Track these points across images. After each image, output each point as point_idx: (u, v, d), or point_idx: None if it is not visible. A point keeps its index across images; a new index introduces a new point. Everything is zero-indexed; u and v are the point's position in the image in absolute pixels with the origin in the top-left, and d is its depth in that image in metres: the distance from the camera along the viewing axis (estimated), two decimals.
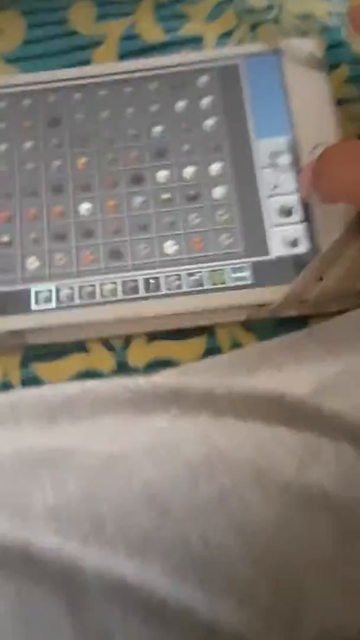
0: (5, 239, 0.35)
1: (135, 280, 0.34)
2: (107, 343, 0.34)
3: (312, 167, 0.30)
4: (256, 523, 0.22)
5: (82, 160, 0.37)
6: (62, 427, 0.25)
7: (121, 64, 0.39)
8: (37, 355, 0.34)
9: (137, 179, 0.36)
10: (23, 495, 0.22)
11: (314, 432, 0.23)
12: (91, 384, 0.27)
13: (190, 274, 0.34)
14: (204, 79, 0.38)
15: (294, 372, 0.28)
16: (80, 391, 0.26)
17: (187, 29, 0.40)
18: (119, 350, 0.34)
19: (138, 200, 0.35)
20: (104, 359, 0.34)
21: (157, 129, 0.37)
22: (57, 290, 0.34)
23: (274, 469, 0.23)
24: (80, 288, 0.34)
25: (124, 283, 0.34)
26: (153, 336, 0.34)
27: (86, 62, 0.40)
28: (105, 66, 0.39)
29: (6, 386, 0.33)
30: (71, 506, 0.21)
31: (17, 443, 0.24)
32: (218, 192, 0.35)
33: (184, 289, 0.33)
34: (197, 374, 0.30)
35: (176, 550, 0.21)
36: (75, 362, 0.34)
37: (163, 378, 0.28)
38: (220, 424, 0.25)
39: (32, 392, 0.27)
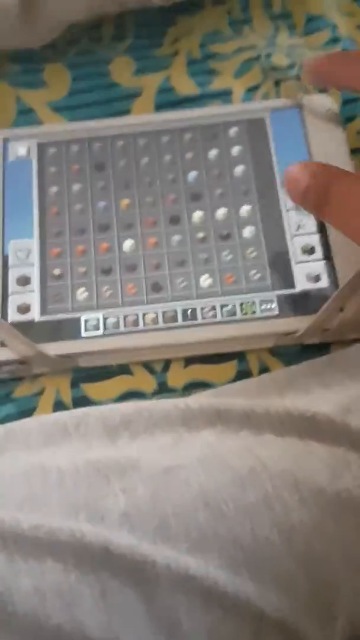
0: (58, 272, 0.39)
1: (175, 310, 0.38)
2: (149, 366, 0.36)
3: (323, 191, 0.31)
4: (295, 524, 0.25)
5: (125, 201, 0.41)
6: (123, 441, 0.29)
7: (159, 115, 0.43)
8: (87, 376, 0.36)
9: (175, 219, 0.40)
10: (99, 500, 0.25)
11: (342, 446, 0.27)
12: (145, 404, 0.30)
13: (224, 305, 0.38)
14: (233, 130, 0.42)
15: (320, 394, 0.32)
16: (135, 411, 0.30)
17: (217, 84, 0.44)
18: (160, 373, 0.37)
19: (176, 238, 0.40)
20: (146, 381, 0.37)
21: (192, 175, 0.41)
22: (105, 319, 0.38)
23: (309, 478, 0.26)
24: (125, 317, 0.38)
25: (164, 313, 0.38)
26: (190, 360, 0.37)
27: (126, 112, 0.44)
28: (144, 117, 0.43)
29: (60, 404, 0.37)
30: (140, 509, 0.25)
31: (86, 455, 0.28)
32: (247, 231, 0.39)
33: (218, 318, 0.37)
34: (232, 395, 0.34)
35: (230, 546, 0.24)
36: (121, 383, 0.36)
37: (207, 398, 0.32)
38: (260, 439, 0.29)
39: (92, 411, 0.31)
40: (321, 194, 0.29)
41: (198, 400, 0.30)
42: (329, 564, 0.25)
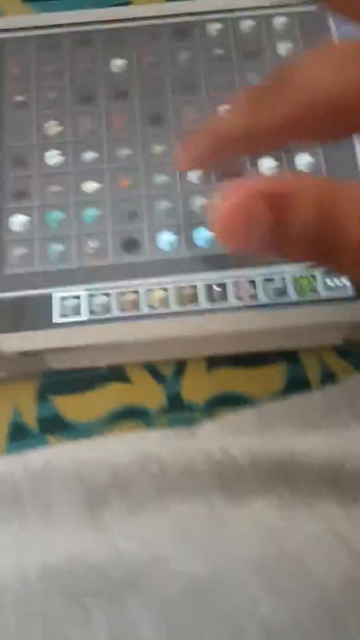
0: (19, 222, 0.26)
1: (194, 286, 0.25)
2: (154, 370, 0.26)
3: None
4: None
5: (119, 121, 0.28)
6: (112, 520, 0.17)
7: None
8: (60, 384, 0.26)
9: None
10: None
11: None
12: (152, 451, 0.18)
13: (268, 280, 0.25)
14: (281, 22, 0.29)
15: None
16: (136, 463, 0.18)
17: None
18: (171, 380, 0.26)
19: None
20: (150, 392, 0.26)
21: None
22: (90, 297, 0.25)
23: None
24: (120, 295, 0.25)
25: (178, 290, 0.25)
26: (215, 362, 0.26)
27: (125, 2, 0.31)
28: (149, 7, 0.30)
29: (18, 428, 0.25)
30: None
31: (47, 551, 0.16)
32: (302, 161, 0.27)
33: (260, 299, 0.25)
34: (284, 422, 0.22)
35: None
36: (112, 395, 0.26)
37: (259, 439, 0.20)
38: (353, 514, 0.17)
39: (63, 459, 0.18)
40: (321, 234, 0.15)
41: (247, 446, 0.18)
42: None
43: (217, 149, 0.20)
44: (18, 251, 0.26)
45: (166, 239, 0.26)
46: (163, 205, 0.27)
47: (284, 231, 0.14)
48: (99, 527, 0.17)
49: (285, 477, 0.18)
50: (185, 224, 0.26)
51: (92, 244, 0.26)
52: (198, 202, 0.27)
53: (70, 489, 0.18)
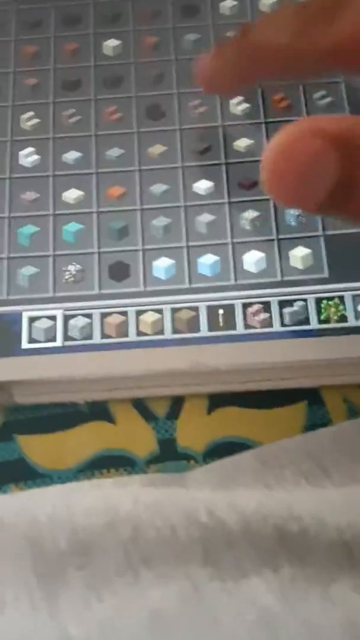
0: None
1: (195, 308, 0.21)
2: (143, 408, 0.22)
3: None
4: None
5: (111, 109, 0.24)
6: (69, 601, 0.13)
7: None
8: (27, 422, 0.22)
9: None
10: None
11: None
12: (125, 510, 0.14)
13: (285, 302, 0.21)
14: None
15: None
16: (103, 525, 0.14)
17: None
18: (163, 421, 0.21)
19: (201, 180, 0.22)
20: (138, 435, 0.21)
21: None
22: (66, 318, 0.21)
23: None
24: (104, 316, 0.21)
25: (175, 312, 0.21)
26: (217, 401, 0.22)
27: None
28: None
29: None
30: None
31: None
32: None
33: (275, 327, 0.20)
34: (289, 465, 0.17)
35: None
36: (91, 437, 0.21)
37: (263, 499, 0.15)
38: None
39: (12, 512, 0.14)
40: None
41: (237, 501, 0.14)
42: None
43: (252, 63, 0.16)
44: None
45: (163, 265, 0.22)
46: (161, 222, 0.22)
47: (353, 185, 0.12)
48: (51, 609, 0.13)
49: (285, 548, 0.13)
50: (189, 248, 0.22)
51: (72, 268, 0.22)
52: (205, 218, 0.22)
53: (19, 556, 0.14)
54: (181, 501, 0.15)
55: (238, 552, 0.14)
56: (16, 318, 0.21)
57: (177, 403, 0.21)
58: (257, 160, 0.23)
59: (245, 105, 0.24)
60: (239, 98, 0.24)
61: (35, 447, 0.21)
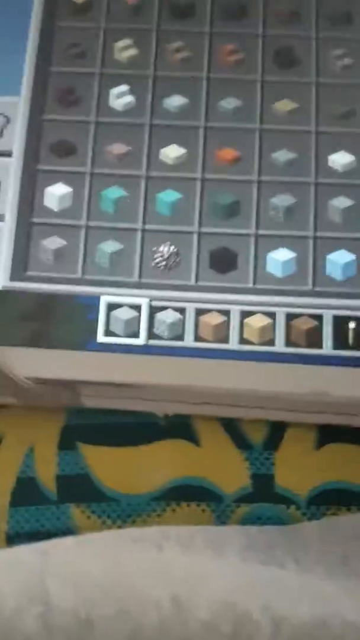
0: (58, 194, 0.18)
1: (318, 317, 0.16)
2: (236, 432, 0.18)
3: None
4: None
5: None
6: None
7: None
8: (95, 431, 0.18)
9: None
10: None
11: None
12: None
13: None
14: None
15: None
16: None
17: None
18: (260, 451, 0.17)
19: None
20: (227, 464, 0.17)
21: None
22: (151, 311, 0.17)
23: None
24: (199, 313, 0.17)
25: (291, 319, 0.16)
26: (330, 435, 0.18)
27: None
28: None
29: (26, 485, 0.17)
30: None
31: None
32: None
33: None
34: None
35: None
36: (169, 458, 0.18)
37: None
38: None
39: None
40: None
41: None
42: None
43: None
44: (50, 239, 0.18)
45: (281, 258, 0.17)
46: (284, 201, 0.17)
47: None
48: None
49: None
50: (316, 240, 0.17)
51: (164, 249, 0.18)
52: (341, 203, 0.17)
53: None
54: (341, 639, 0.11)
55: None
56: (93, 303, 0.17)
57: (277, 430, 0.17)
58: None
59: None
60: None
61: (102, 462, 0.17)
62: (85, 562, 0.13)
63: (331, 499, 0.17)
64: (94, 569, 0.13)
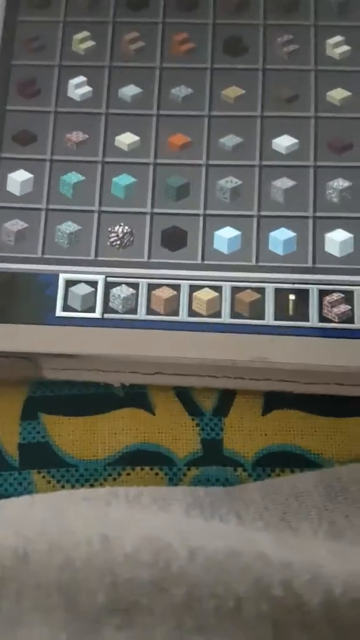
0: (19, 177, 0.19)
1: (261, 290, 0.17)
2: (188, 399, 0.19)
3: None
4: None
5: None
6: None
7: None
8: (55, 401, 0.19)
9: None
10: None
11: None
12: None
13: None
14: None
15: None
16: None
17: None
18: (210, 417, 0.18)
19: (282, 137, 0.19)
20: (179, 430, 0.18)
21: None
22: (106, 287, 0.18)
23: None
24: (152, 288, 0.18)
25: (235, 292, 0.18)
26: (276, 401, 0.19)
27: None
28: None
29: None
30: None
31: None
32: None
33: (357, 322, 0.17)
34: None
35: None
36: (125, 426, 0.18)
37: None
38: None
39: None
40: None
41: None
42: None
43: None
44: (12, 222, 0.19)
45: (226, 236, 0.18)
46: (230, 183, 0.18)
47: None
48: None
49: None
50: (260, 219, 0.18)
51: (119, 229, 0.19)
52: (283, 184, 0.18)
53: (49, 607, 0.12)
54: (250, 567, 0.12)
55: (316, 636, 0.12)
56: (51, 280, 0.18)
57: (226, 398, 0.18)
58: (355, 118, 0.19)
59: (345, 48, 0.19)
60: (339, 37, 0.19)
61: (62, 431, 0.18)
62: (32, 514, 0.14)
63: (276, 461, 0.18)
64: (37, 516, 0.14)
